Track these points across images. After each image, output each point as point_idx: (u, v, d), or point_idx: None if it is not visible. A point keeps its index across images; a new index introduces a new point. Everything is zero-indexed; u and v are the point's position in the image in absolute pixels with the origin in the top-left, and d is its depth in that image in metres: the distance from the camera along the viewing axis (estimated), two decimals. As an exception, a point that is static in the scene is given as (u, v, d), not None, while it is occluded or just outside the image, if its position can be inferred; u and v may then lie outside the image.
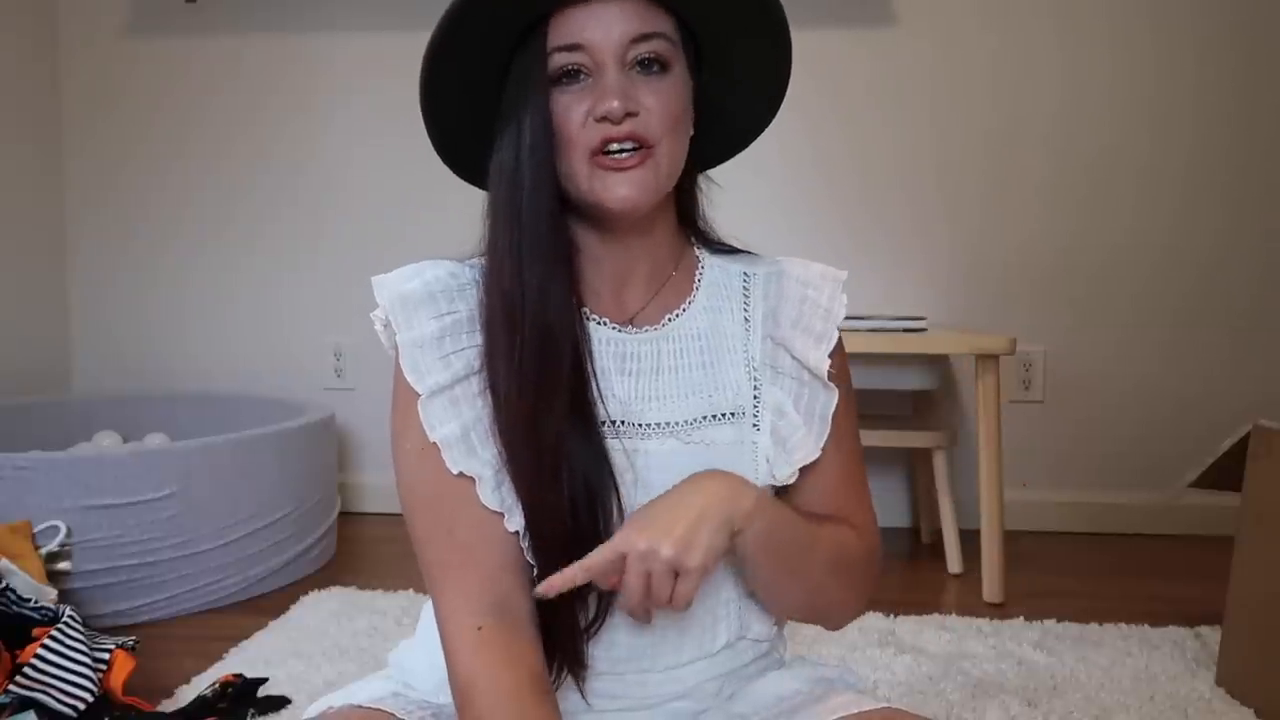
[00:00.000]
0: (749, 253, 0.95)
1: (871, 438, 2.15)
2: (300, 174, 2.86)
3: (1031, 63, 2.64)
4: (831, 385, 0.88)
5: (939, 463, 2.31)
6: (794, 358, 0.88)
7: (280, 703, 1.55)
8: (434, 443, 0.81)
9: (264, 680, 1.60)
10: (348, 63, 2.82)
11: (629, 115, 0.78)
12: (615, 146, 0.79)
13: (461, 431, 0.82)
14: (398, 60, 2.56)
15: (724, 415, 0.87)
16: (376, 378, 2.63)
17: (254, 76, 2.86)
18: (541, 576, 0.79)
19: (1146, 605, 2.02)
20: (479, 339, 0.84)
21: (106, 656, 1.53)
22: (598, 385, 0.83)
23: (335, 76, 2.83)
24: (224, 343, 2.92)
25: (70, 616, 1.55)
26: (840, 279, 0.92)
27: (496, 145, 0.83)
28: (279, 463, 2.18)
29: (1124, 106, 2.62)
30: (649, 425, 0.85)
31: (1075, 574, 2.32)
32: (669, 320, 0.89)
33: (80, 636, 1.52)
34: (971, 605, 2.04)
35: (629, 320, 0.88)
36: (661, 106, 0.80)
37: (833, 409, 0.88)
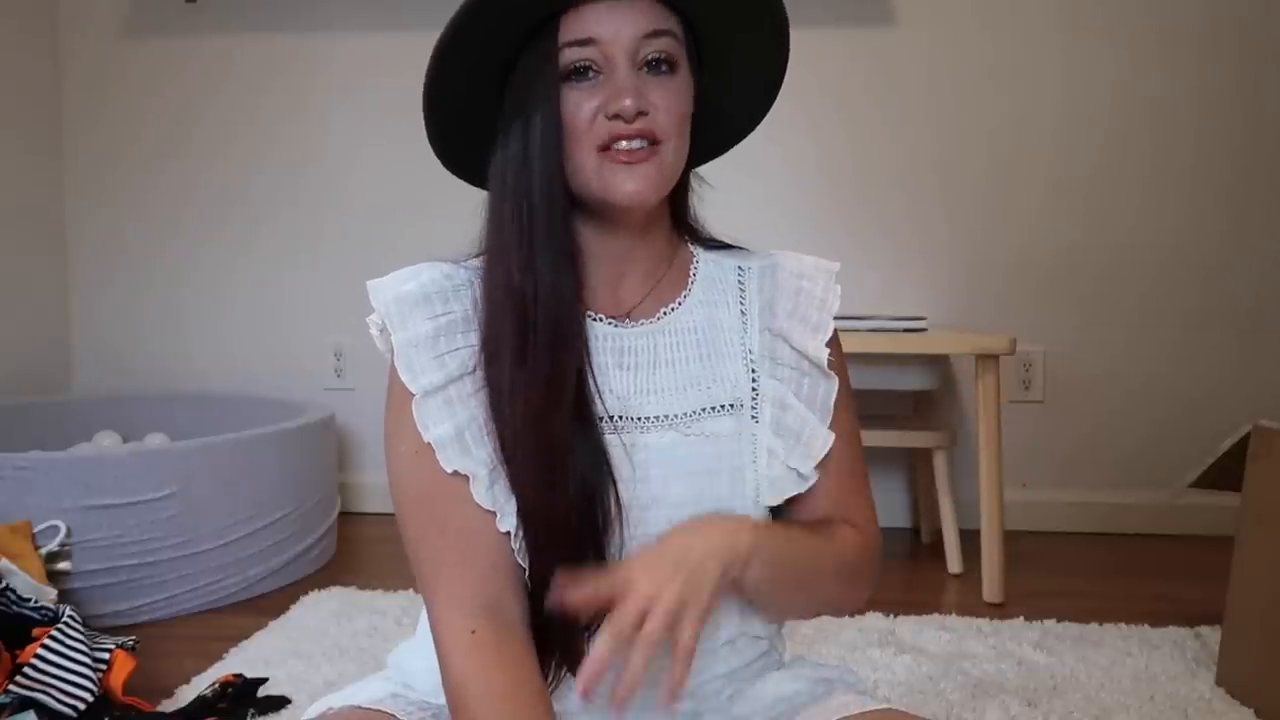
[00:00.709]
0: (741, 248, 0.95)
1: (871, 438, 2.15)
2: (300, 173, 2.86)
3: (1032, 62, 2.63)
4: (831, 374, 0.88)
5: (939, 463, 2.31)
6: (793, 348, 0.89)
7: (280, 703, 1.55)
8: (428, 443, 0.81)
9: (264, 680, 1.60)
10: (346, 63, 2.82)
11: (640, 114, 0.79)
12: (625, 143, 0.80)
13: (456, 431, 0.82)
14: (396, 60, 2.57)
15: (723, 407, 0.87)
16: (376, 378, 2.60)
17: (253, 76, 2.86)
18: (534, 576, 0.79)
19: (1147, 605, 2.02)
20: (474, 339, 0.84)
21: (106, 656, 1.53)
22: (595, 381, 0.84)
23: (334, 76, 2.83)
24: (223, 343, 2.92)
25: (70, 616, 1.55)
26: (833, 270, 0.92)
27: (501, 142, 0.83)
28: (279, 463, 2.18)
29: (1127, 105, 2.61)
30: (647, 419, 0.85)
31: (1076, 574, 2.32)
32: (665, 314, 0.89)
33: (80, 636, 1.52)
34: (971, 605, 2.04)
35: (625, 315, 0.88)
36: (670, 105, 0.81)
37: (834, 397, 0.88)
